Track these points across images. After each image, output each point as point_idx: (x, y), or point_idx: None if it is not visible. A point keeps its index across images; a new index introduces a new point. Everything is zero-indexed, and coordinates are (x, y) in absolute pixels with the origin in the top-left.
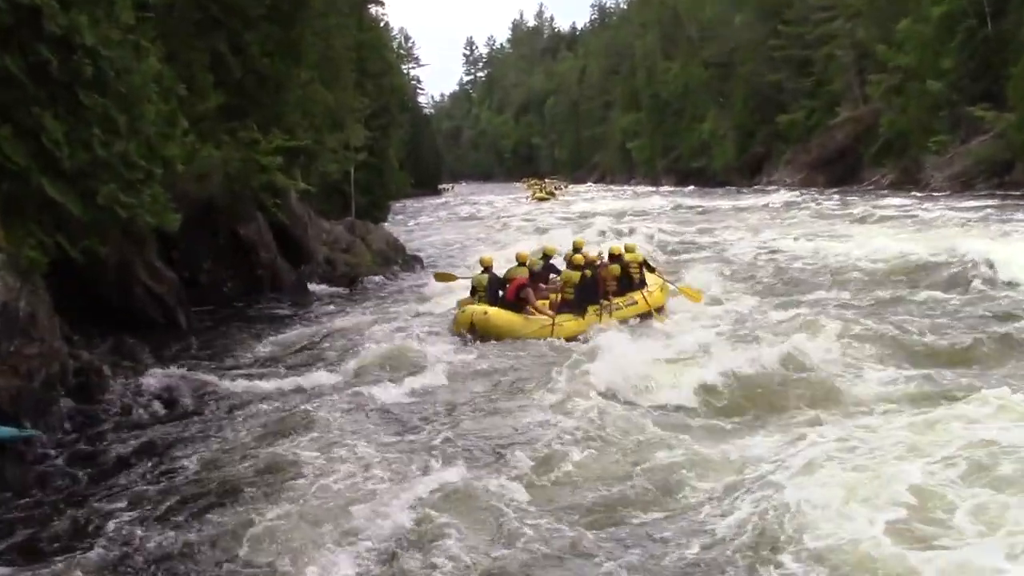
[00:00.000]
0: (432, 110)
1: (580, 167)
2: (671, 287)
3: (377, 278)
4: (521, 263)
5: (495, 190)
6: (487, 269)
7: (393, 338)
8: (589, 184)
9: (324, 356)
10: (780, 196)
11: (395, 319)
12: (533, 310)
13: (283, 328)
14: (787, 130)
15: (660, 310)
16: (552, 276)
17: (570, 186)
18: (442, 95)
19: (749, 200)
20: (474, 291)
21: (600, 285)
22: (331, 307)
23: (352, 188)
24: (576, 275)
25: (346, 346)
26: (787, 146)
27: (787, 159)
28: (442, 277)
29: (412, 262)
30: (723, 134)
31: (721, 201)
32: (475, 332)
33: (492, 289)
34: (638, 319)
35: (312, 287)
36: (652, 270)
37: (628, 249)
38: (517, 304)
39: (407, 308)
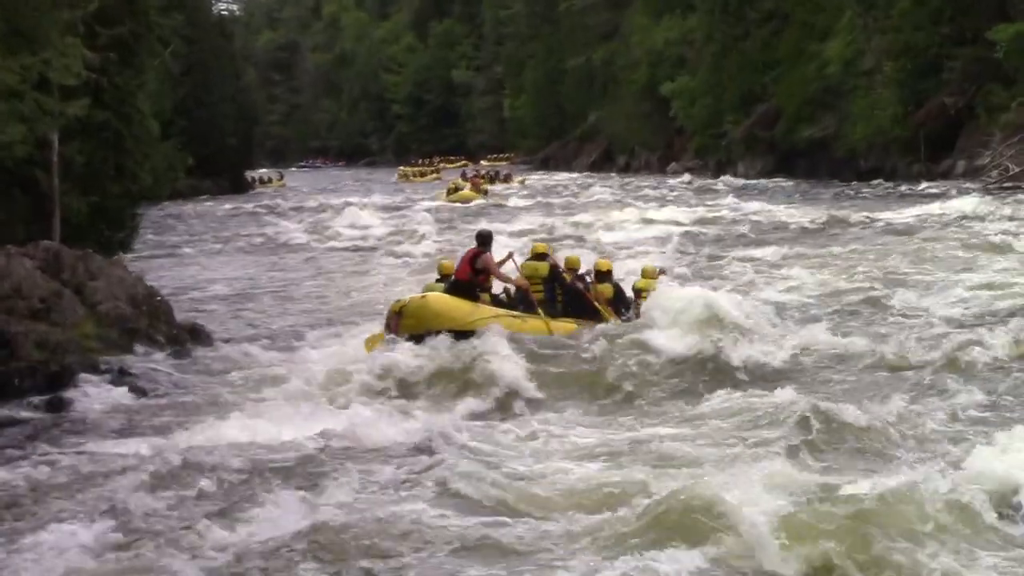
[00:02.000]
0: (235, 7)
1: (558, 136)
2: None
3: (107, 382)
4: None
5: (368, 184)
6: (444, 277)
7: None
8: (571, 174)
9: None
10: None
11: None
12: (496, 279)
13: None
14: (1011, 57)
15: None
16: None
17: (523, 179)
18: None
19: (922, 210)
20: None
21: (587, 299)
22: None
23: (55, 178)
24: (543, 267)
25: None
26: (1010, 93)
27: (1008, 122)
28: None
29: (186, 339)
30: (869, 68)
31: (885, 211)
32: (397, 325)
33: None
34: None
35: None
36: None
37: (646, 274)
38: (472, 285)
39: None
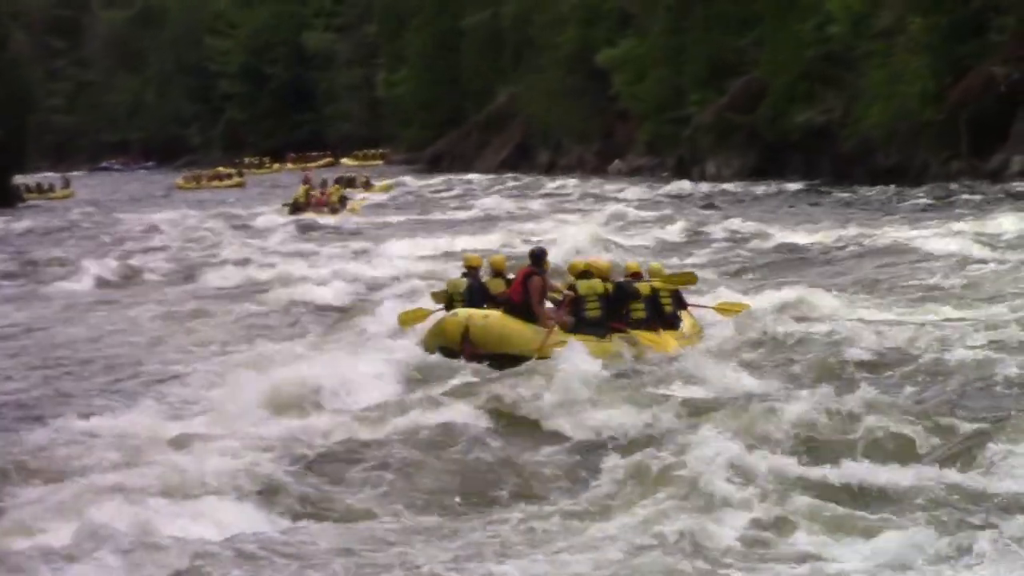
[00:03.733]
0: None
1: (454, 124)
2: (704, 312)
3: None
4: (498, 272)
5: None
6: (471, 271)
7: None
8: (473, 176)
9: None
10: None
11: None
12: (541, 315)
13: None
14: None
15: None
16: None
17: (387, 184)
18: None
19: None
20: (449, 303)
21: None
22: None
23: None
24: (600, 286)
25: None
26: None
27: None
28: (411, 317)
29: None
30: (888, 26)
31: (914, 230)
32: (468, 346)
33: (473, 299)
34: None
35: None
36: (684, 305)
37: (653, 272)
38: (526, 307)
39: None
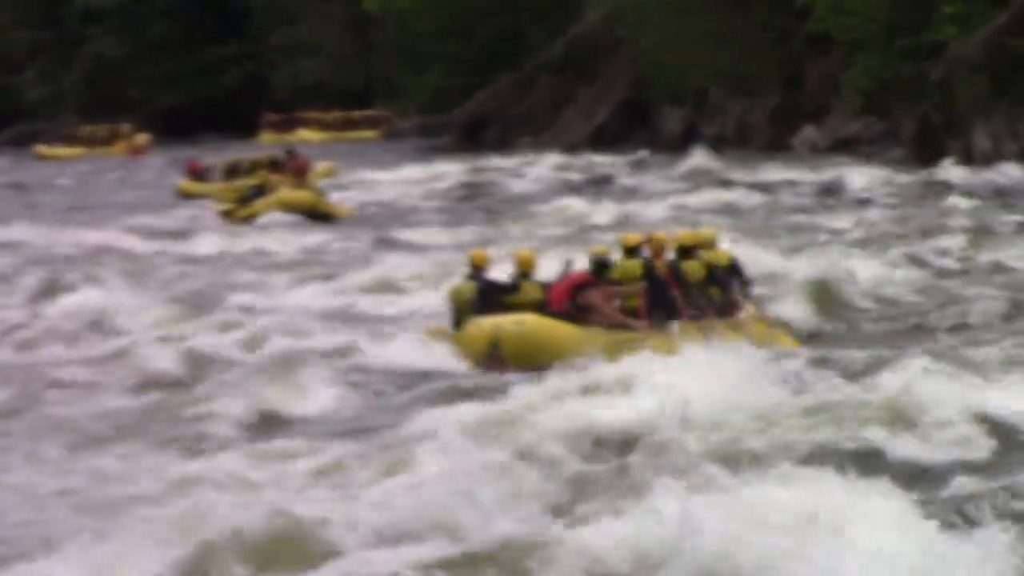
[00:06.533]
0: None
1: (506, 64)
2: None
3: None
4: (525, 272)
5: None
6: (478, 272)
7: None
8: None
9: None
10: None
11: None
12: (617, 318)
13: None
14: None
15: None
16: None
17: (328, 167)
18: None
19: None
20: (457, 315)
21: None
22: None
23: None
24: (638, 266)
25: None
26: None
27: None
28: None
29: None
30: None
31: None
32: (497, 360)
33: (484, 302)
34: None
35: None
36: (747, 284)
37: (705, 242)
38: (571, 316)
39: None
